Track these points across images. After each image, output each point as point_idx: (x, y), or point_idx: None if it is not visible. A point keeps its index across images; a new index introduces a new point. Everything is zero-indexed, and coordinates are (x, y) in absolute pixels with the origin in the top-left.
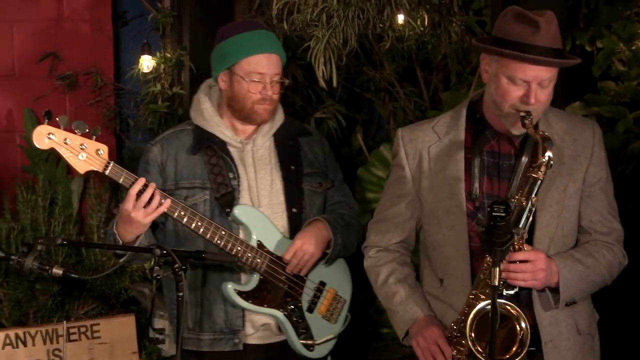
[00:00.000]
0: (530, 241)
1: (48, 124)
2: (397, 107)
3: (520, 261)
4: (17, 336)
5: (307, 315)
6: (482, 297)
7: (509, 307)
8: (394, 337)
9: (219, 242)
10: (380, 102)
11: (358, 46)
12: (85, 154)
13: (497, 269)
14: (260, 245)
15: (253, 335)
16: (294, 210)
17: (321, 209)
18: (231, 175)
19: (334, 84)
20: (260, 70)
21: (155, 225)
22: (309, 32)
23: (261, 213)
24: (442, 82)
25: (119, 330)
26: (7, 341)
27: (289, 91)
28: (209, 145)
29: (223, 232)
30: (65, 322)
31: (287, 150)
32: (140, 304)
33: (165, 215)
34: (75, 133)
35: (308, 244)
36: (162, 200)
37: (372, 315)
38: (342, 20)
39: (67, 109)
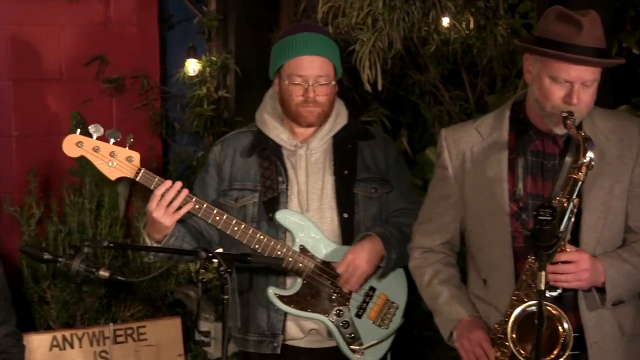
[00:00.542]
0: (576, 242)
1: (81, 133)
2: (442, 110)
3: (564, 262)
4: (64, 338)
5: (356, 320)
6: (525, 299)
7: (549, 308)
8: (440, 340)
9: (256, 246)
10: (425, 105)
11: (403, 49)
12: (115, 162)
13: (543, 273)
14: (303, 249)
15: (303, 339)
16: (345, 215)
17: (377, 214)
18: (280, 179)
19: (379, 87)
20: (300, 72)
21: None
22: (354, 36)
23: (305, 217)
24: (488, 85)
25: (165, 332)
26: (55, 343)
27: None
28: (264, 148)
29: (261, 237)
30: (112, 324)
31: (343, 153)
32: (185, 306)
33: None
34: (107, 141)
35: (359, 259)
36: (186, 201)
37: (418, 318)
38: (388, 24)
39: (113, 112)
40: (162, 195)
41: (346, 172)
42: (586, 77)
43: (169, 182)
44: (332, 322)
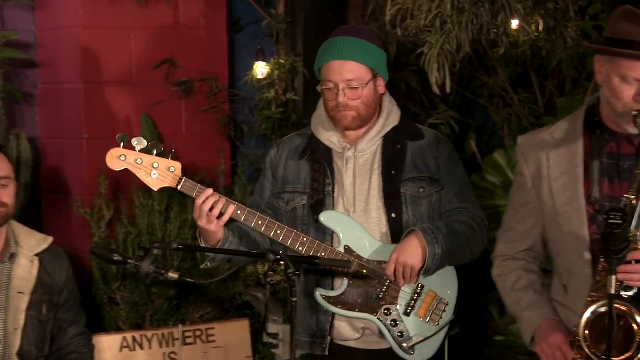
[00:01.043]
0: None
1: (124, 147)
2: (511, 113)
3: (637, 261)
4: (134, 339)
5: (405, 318)
6: (600, 301)
7: (618, 304)
8: (510, 345)
9: (300, 249)
10: (494, 108)
11: (472, 52)
12: (157, 173)
13: (614, 277)
14: (349, 250)
15: (358, 340)
16: (393, 215)
17: (426, 213)
18: (327, 182)
19: (448, 89)
20: (330, 77)
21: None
22: (423, 38)
23: (350, 218)
24: (557, 88)
25: (234, 334)
26: (125, 344)
27: (402, 97)
28: (314, 151)
29: (305, 239)
30: (181, 325)
31: (391, 154)
32: (254, 308)
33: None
34: (150, 153)
35: (404, 256)
36: (226, 208)
37: (486, 322)
38: (456, 26)
39: (182, 115)
40: (203, 204)
41: (393, 172)
42: None
43: (210, 191)
44: (381, 320)
